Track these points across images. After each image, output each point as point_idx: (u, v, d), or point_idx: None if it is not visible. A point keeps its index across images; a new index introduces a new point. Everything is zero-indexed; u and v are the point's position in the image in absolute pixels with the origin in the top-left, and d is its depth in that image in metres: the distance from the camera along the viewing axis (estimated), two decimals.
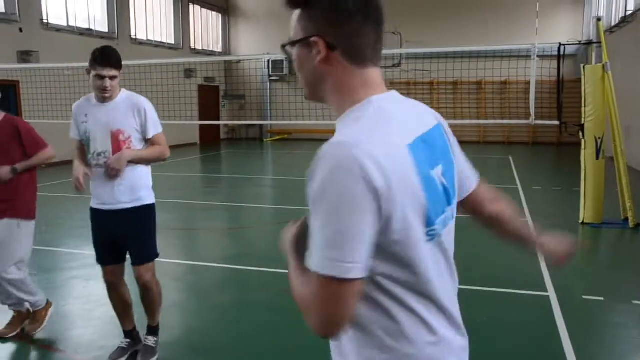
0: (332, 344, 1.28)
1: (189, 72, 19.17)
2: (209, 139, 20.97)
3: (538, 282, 4.83)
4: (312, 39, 1.17)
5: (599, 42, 6.81)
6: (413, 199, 1.11)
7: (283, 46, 1.27)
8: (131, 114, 3.21)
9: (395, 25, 16.67)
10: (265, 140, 21.93)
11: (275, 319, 4.17)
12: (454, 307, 1.27)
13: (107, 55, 3.15)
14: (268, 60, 20.92)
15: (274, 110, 21.73)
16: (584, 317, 4.17)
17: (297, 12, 1.22)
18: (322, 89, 1.23)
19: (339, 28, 1.16)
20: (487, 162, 14.97)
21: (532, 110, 7.40)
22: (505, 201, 1.55)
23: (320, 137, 21.14)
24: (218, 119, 21.18)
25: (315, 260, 1.08)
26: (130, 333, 3.52)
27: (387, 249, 1.10)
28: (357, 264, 1.05)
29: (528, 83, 16.94)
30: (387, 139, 1.11)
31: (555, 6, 18.87)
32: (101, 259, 3.38)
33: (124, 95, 3.28)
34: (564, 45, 7.02)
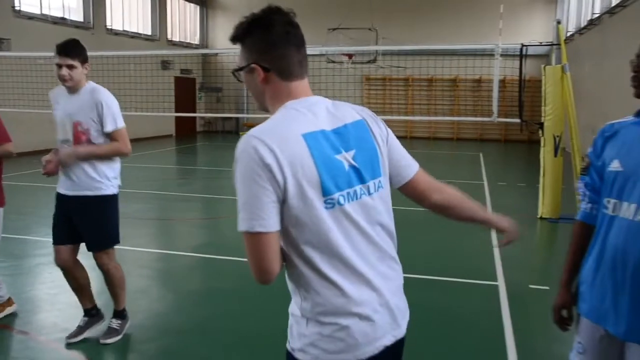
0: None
1: (165, 64, 19.14)
2: (185, 131, 20.97)
3: (489, 272, 5.10)
4: (252, 65, 1.54)
5: (559, 44, 7.10)
6: (305, 173, 1.42)
7: (233, 72, 1.62)
8: (91, 107, 3.33)
9: (371, 22, 16.87)
10: (241, 133, 21.98)
11: (238, 304, 4.35)
12: (369, 268, 1.53)
13: (65, 46, 3.30)
14: None
15: (251, 104, 21.79)
16: (528, 305, 4.44)
17: (240, 46, 1.58)
18: (264, 100, 1.59)
19: (269, 54, 1.52)
20: (458, 158, 15.33)
21: (495, 108, 7.67)
22: (454, 189, 1.82)
23: None
24: (194, 111, 21.17)
25: (238, 223, 1.44)
26: (89, 311, 3.66)
27: (292, 211, 1.42)
28: (262, 220, 1.40)
29: (501, 81, 17.34)
30: (282, 131, 1.45)
31: (529, 7, 19.31)
32: (56, 238, 3.50)
33: (88, 88, 3.40)
34: (525, 45, 7.29)
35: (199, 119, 22.26)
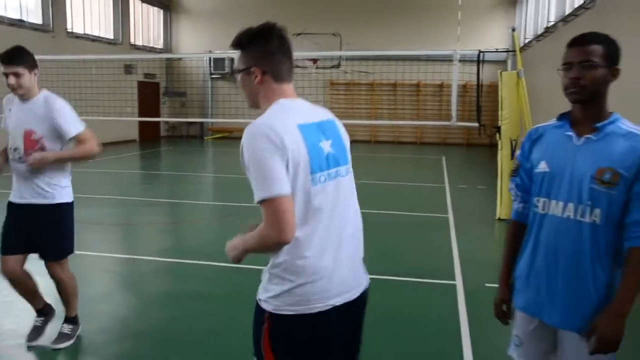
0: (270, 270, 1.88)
1: (128, 68, 18.90)
2: (149, 136, 20.73)
3: (447, 272, 5.25)
4: (252, 69, 1.87)
5: (514, 51, 7.35)
6: (300, 154, 1.75)
7: (231, 73, 2.08)
8: (45, 115, 3.29)
9: (336, 28, 17.06)
10: (206, 138, 21.87)
11: (199, 307, 4.37)
12: (336, 238, 1.86)
13: (9, 54, 3.25)
14: (210, 58, 20.88)
15: (215, 109, 21.71)
16: (484, 303, 4.57)
17: (239, 51, 1.92)
18: (257, 99, 1.91)
19: (267, 60, 1.87)
20: (422, 162, 15.61)
21: (454, 113, 7.88)
22: None
23: None
24: (158, 116, 20.96)
25: (258, 194, 1.70)
26: (42, 310, 3.63)
27: (294, 183, 1.74)
28: (281, 186, 1.69)
29: (463, 87, 17.73)
30: (283, 120, 1.78)
31: (490, 14, 19.82)
32: (5, 248, 3.42)
33: (41, 96, 3.37)
34: (482, 52, 7.53)
35: (163, 123, 22.03)
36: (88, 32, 17.73)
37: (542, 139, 2.05)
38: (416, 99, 20.37)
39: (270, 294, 1.83)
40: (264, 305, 1.85)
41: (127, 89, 17.33)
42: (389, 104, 20.51)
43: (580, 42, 1.92)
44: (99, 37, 18.19)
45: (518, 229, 2.15)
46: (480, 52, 7.53)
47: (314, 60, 17.32)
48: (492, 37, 18.80)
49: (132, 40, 19.92)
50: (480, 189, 10.40)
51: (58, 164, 3.37)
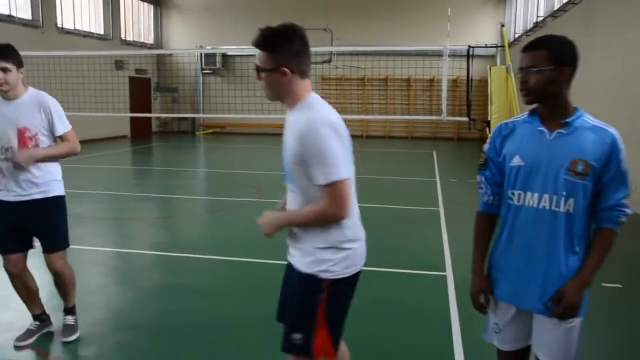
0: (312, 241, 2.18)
1: (119, 64, 18.85)
2: (140, 132, 20.70)
3: (438, 263, 5.34)
4: (282, 68, 2.11)
5: (503, 46, 7.44)
6: (348, 141, 2.14)
7: (259, 70, 2.14)
8: (37, 112, 3.33)
9: (326, 23, 17.08)
10: (197, 133, 21.87)
11: (193, 299, 4.43)
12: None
13: None
14: (201, 54, 20.86)
15: (207, 104, 21.69)
16: None
17: (263, 51, 2.12)
18: (283, 94, 2.17)
19: (294, 60, 2.13)
20: (413, 157, 15.71)
21: (444, 107, 7.96)
22: None
23: (252, 131, 21.33)
24: (150, 112, 20.92)
25: (326, 177, 2.02)
26: (39, 317, 3.67)
27: (349, 166, 2.12)
28: (346, 170, 2.06)
29: (454, 81, 17.82)
30: (332, 113, 2.15)
31: (479, 9, 19.92)
32: (3, 248, 3.47)
33: (30, 94, 3.40)
34: (472, 47, 7.61)
35: (155, 119, 21.99)
36: (78, 27, 17.66)
37: (513, 134, 2.13)
38: (407, 93, 20.47)
39: (330, 264, 2.14)
40: (323, 275, 2.14)
41: (118, 85, 17.29)
42: (380, 98, 20.59)
43: (527, 48, 2.05)
44: (89, 32, 18.11)
45: (488, 221, 2.24)
46: (469, 47, 7.62)
47: None
48: (482, 33, 18.91)
49: (122, 36, 19.85)
50: (471, 182, 10.50)
51: (47, 160, 3.40)
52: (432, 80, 19.64)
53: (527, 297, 2.07)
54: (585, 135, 2.00)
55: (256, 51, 2.13)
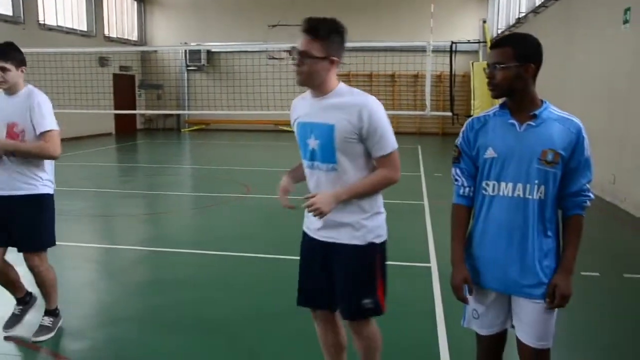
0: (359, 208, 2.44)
1: (103, 61, 18.74)
2: (125, 129, 20.59)
3: (422, 255, 5.46)
4: (331, 57, 2.33)
5: (485, 42, 7.57)
6: None
7: (306, 56, 2.29)
8: (27, 108, 3.37)
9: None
10: (182, 130, 21.81)
11: (183, 293, 4.50)
12: None
13: None
14: (185, 51, 20.79)
15: (192, 100, 21.65)
16: None
17: (310, 37, 2.29)
18: (321, 80, 2.35)
19: (340, 52, 2.38)
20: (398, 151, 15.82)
21: (428, 103, 8.08)
22: None
23: (238, 128, 21.31)
24: (134, 109, 20.83)
25: (389, 147, 2.39)
26: (22, 299, 3.71)
27: None
28: (395, 142, 2.42)
29: (438, 77, 17.97)
30: None
31: (463, 5, 20.09)
32: None
33: (26, 90, 3.44)
34: (455, 43, 7.73)
35: (140, 116, 21.89)
36: (61, 24, 17.51)
37: (485, 127, 2.22)
38: (392, 89, 20.60)
39: (379, 229, 2.48)
40: (377, 241, 2.47)
41: (102, 82, 17.20)
42: (371, 94, 20.64)
43: (493, 45, 2.15)
44: (72, 29, 17.97)
45: (464, 212, 2.31)
46: (452, 43, 7.73)
47: (290, 52, 17.37)
48: (465, 29, 19.06)
49: (106, 32, 19.72)
50: None
51: (19, 155, 3.37)
52: (416, 76, 19.78)
53: (505, 282, 2.18)
54: (552, 126, 2.11)
55: (301, 37, 2.30)
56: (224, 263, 5.34)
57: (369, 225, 2.43)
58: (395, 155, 2.41)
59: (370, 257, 2.45)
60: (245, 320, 3.95)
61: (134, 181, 10.79)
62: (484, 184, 2.21)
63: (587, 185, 2.16)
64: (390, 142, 2.38)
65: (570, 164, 2.11)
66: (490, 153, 2.18)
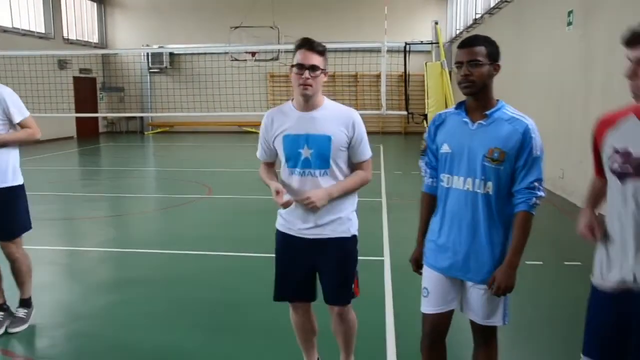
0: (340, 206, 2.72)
1: (62, 63, 18.48)
2: (87, 133, 20.34)
3: (376, 249, 5.67)
4: (326, 70, 2.68)
5: (437, 43, 7.85)
6: None
7: (319, 70, 2.61)
8: None
9: (273, 20, 17.24)
10: (146, 133, 21.65)
11: (143, 290, 4.60)
12: None
13: None
14: (147, 53, 20.64)
15: (155, 103, 21.50)
16: (408, 275, 5.00)
17: (318, 56, 2.61)
18: (319, 90, 2.65)
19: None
20: None
21: (384, 102, 8.33)
22: None
23: (201, 130, 21.28)
24: (96, 112, 20.58)
25: (369, 152, 2.75)
26: (1, 307, 3.79)
27: None
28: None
29: (400, 77, 18.26)
30: None
31: (423, 6, 20.51)
32: None
33: None
34: (408, 44, 7.99)
35: (102, 119, 21.63)
36: (17, 25, 17.19)
37: (444, 124, 2.41)
38: (355, 89, 20.89)
39: (356, 222, 2.80)
40: (357, 233, 2.79)
41: (62, 84, 16.97)
42: (329, 94, 20.33)
43: (468, 44, 2.29)
44: (28, 31, 17.66)
45: (429, 200, 2.52)
46: (406, 44, 7.99)
47: (253, 53, 17.47)
48: (424, 30, 19.42)
49: (65, 35, 19.43)
50: (414, 174, 10.95)
51: (4, 147, 3.54)
52: (378, 76, 19.99)
53: (456, 267, 2.36)
54: (501, 126, 2.26)
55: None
56: (184, 261, 5.45)
57: (353, 218, 2.77)
58: (371, 160, 2.78)
59: (354, 248, 2.78)
60: (203, 311, 4.08)
61: (96, 184, 10.75)
62: (441, 177, 2.40)
63: (536, 184, 2.25)
64: (368, 149, 2.75)
65: (517, 162, 2.24)
66: (445, 148, 2.35)
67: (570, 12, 8.19)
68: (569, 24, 8.21)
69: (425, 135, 2.52)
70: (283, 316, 2.99)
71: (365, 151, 2.73)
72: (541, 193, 2.27)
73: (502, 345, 2.57)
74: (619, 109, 2.06)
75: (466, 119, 2.32)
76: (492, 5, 13.59)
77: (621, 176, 1.95)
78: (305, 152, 2.64)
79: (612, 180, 2.00)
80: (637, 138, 1.92)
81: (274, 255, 2.87)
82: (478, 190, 2.28)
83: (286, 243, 2.78)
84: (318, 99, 2.67)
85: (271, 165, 2.85)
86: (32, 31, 17.83)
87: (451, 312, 2.45)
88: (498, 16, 13.12)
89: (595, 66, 7.34)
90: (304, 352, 3.04)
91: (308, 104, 2.65)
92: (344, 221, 2.71)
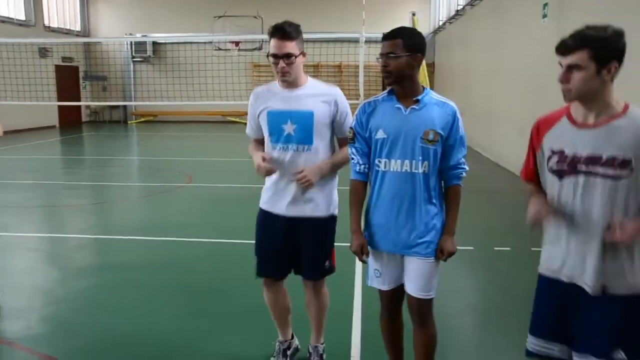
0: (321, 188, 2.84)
1: (44, 51, 18.31)
2: (70, 122, 20.21)
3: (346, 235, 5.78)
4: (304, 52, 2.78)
5: None
6: None
7: (295, 56, 2.69)
8: None
9: (257, 10, 17.23)
10: (129, 122, 21.56)
11: (123, 275, 4.68)
12: None
13: None
14: (131, 42, 20.51)
15: (139, 92, 21.40)
16: None
17: (291, 42, 2.68)
18: (300, 72, 2.74)
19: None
20: None
21: (361, 91, 8.43)
22: None
23: (185, 119, 21.23)
24: (79, 101, 20.44)
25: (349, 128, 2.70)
26: None
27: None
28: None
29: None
30: None
31: None
32: None
33: None
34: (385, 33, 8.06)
35: (85, 108, 21.49)
36: None
37: (375, 111, 2.53)
38: (339, 79, 20.93)
39: (335, 204, 2.91)
40: (336, 212, 2.91)
41: (43, 72, 16.84)
42: None
43: (386, 37, 2.43)
44: (8, 18, 17.46)
45: (361, 187, 2.62)
46: (383, 34, 8.06)
47: (236, 43, 17.45)
48: (405, 21, 19.51)
49: (46, 22, 19.23)
50: None
51: None
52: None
53: (399, 244, 2.51)
54: (433, 109, 2.45)
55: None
56: (164, 247, 5.53)
57: (333, 198, 2.89)
58: None
59: (332, 226, 2.90)
60: (181, 295, 4.19)
61: (79, 173, 10.75)
62: (377, 162, 2.51)
63: (463, 159, 2.51)
64: (349, 124, 2.83)
65: (448, 141, 2.45)
66: (380, 134, 2.47)
67: (545, 5, 8.34)
68: (544, 16, 8.36)
69: (353, 123, 2.61)
70: (261, 299, 3.09)
71: (348, 127, 2.79)
72: (467, 167, 2.55)
73: (472, 327, 2.70)
74: (553, 112, 2.20)
75: (399, 105, 2.45)
76: None
77: (559, 174, 2.10)
78: (288, 128, 2.76)
79: (550, 179, 2.15)
80: (570, 138, 2.07)
81: (253, 241, 2.97)
82: (416, 171, 2.43)
83: (266, 220, 2.91)
84: (301, 78, 2.78)
85: (260, 142, 2.94)
86: (11, 18, 17.63)
87: (402, 286, 2.61)
88: (478, 7, 13.25)
89: None
90: (279, 329, 3.16)
91: (292, 83, 2.77)
92: (324, 201, 2.83)
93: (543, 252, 2.23)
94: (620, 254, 2.02)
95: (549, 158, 2.13)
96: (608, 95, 2.00)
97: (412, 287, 2.54)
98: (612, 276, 2.03)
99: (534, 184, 2.27)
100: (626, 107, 2.02)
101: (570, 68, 1.96)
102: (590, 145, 2.02)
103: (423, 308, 2.57)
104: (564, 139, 2.09)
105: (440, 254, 2.49)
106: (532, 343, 2.23)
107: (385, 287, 2.63)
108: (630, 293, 2.03)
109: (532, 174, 2.26)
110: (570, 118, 2.09)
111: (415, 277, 2.53)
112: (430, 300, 2.57)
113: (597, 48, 1.92)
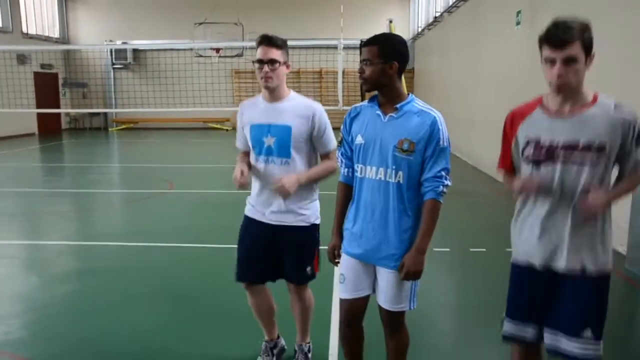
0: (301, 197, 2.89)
1: (22, 58, 18.15)
2: (49, 129, 20.03)
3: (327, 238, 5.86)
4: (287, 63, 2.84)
5: None
6: None
7: (279, 63, 2.78)
8: None
9: (237, 17, 17.29)
10: (110, 129, 21.43)
11: (103, 280, 4.70)
12: None
13: None
14: (111, 49, 20.42)
15: (119, 99, 21.31)
16: None
17: (277, 49, 2.77)
18: (283, 81, 2.83)
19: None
20: None
21: (340, 97, 8.55)
22: None
23: (166, 126, 21.18)
24: (58, 108, 20.27)
25: (333, 143, 2.89)
26: None
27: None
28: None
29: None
30: None
31: (387, 4, 20.81)
32: None
33: None
34: (363, 40, 8.19)
35: (65, 116, 21.32)
36: None
37: (359, 116, 2.52)
38: (320, 85, 21.08)
39: (317, 214, 2.97)
40: (317, 222, 2.96)
41: (21, 80, 16.70)
42: (294, 90, 20.93)
43: (363, 44, 2.42)
44: None
45: (345, 190, 2.62)
46: (361, 41, 8.19)
47: (217, 50, 17.49)
48: (383, 28, 19.75)
49: (24, 29, 19.07)
50: None
51: None
52: (343, 72, 20.29)
53: (369, 253, 2.49)
54: (411, 118, 2.37)
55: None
56: (144, 253, 5.55)
57: (314, 208, 2.95)
58: (337, 150, 2.85)
59: (314, 234, 2.96)
60: (161, 298, 4.23)
61: (59, 180, 10.69)
62: (356, 167, 2.51)
63: (443, 173, 2.36)
64: (333, 140, 2.91)
65: (426, 152, 2.35)
66: (359, 139, 2.46)
67: (518, 12, 8.55)
68: (518, 23, 8.57)
69: (342, 127, 2.60)
70: (246, 301, 3.13)
71: (329, 142, 2.90)
72: (448, 182, 2.39)
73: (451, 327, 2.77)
74: (525, 103, 2.31)
75: (379, 112, 2.42)
76: (450, 3, 13.96)
77: (536, 163, 2.18)
78: (268, 141, 2.84)
79: (527, 168, 2.23)
80: (546, 127, 2.16)
81: (234, 245, 3.02)
82: (390, 180, 2.39)
83: (250, 227, 2.98)
84: (283, 91, 2.86)
85: (248, 154, 2.99)
86: None
87: (367, 297, 2.57)
88: (456, 14, 13.48)
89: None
90: (264, 330, 3.23)
91: (273, 95, 2.85)
92: (305, 210, 2.89)
93: (515, 239, 2.33)
94: (594, 230, 2.16)
95: (524, 148, 2.22)
96: (583, 85, 2.11)
97: (383, 299, 2.50)
98: (586, 251, 2.15)
99: (510, 173, 2.35)
100: (596, 96, 2.13)
101: (568, 61, 2.02)
102: (567, 133, 2.12)
103: (394, 321, 2.55)
104: (540, 128, 2.17)
105: (400, 270, 2.38)
106: (507, 327, 2.34)
107: (346, 296, 2.57)
108: (600, 273, 2.17)
109: (509, 164, 2.34)
110: (544, 108, 2.19)
111: (385, 288, 2.48)
112: (402, 312, 2.52)
113: (585, 39, 2.01)
